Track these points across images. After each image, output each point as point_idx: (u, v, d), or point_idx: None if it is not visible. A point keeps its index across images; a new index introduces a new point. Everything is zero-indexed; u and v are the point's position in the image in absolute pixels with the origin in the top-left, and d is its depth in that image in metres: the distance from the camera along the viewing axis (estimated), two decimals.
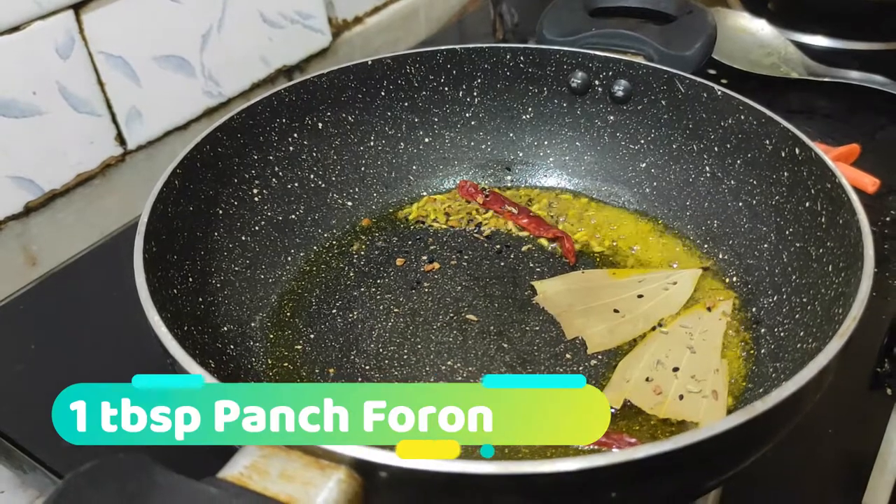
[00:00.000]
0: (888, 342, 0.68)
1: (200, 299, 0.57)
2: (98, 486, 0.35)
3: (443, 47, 0.72)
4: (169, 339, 0.43)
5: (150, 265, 0.50)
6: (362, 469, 0.36)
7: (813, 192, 0.56)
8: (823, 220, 0.55)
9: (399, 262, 0.67)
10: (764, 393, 0.52)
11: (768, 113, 0.60)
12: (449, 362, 0.57)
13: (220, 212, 0.62)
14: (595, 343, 0.58)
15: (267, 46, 0.98)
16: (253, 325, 0.61)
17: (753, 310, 0.59)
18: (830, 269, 0.53)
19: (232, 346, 0.57)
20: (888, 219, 0.82)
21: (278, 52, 1.00)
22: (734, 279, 0.62)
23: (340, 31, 1.10)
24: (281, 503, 0.35)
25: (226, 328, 0.58)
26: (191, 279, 0.57)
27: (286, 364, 0.58)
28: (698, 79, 0.65)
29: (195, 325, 0.54)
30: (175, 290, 0.54)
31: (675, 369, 0.55)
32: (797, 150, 0.58)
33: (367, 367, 0.57)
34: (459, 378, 0.56)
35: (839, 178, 0.53)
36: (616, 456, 0.35)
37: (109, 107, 0.83)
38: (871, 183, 0.84)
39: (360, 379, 0.56)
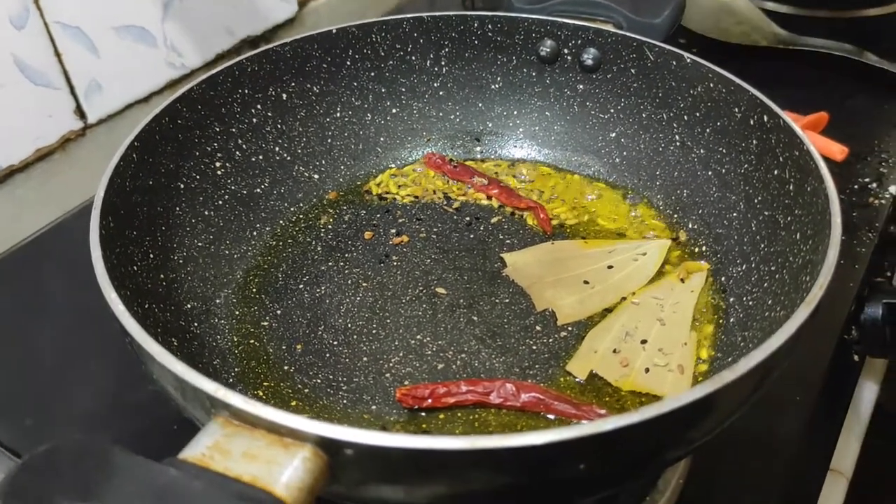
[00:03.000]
0: (855, 309, 0.68)
1: (162, 276, 0.56)
2: (54, 469, 0.34)
3: (409, 15, 0.70)
4: (126, 317, 0.42)
5: (108, 242, 0.49)
6: (328, 447, 0.35)
7: (781, 159, 0.56)
8: (792, 188, 0.55)
9: (367, 235, 0.66)
10: (732, 362, 0.52)
11: (737, 81, 0.60)
12: (418, 336, 0.56)
13: (182, 186, 0.61)
14: (565, 314, 0.57)
15: (231, 16, 0.96)
16: (218, 301, 0.59)
17: (723, 279, 0.59)
18: (798, 237, 0.52)
19: (196, 324, 0.56)
20: (856, 186, 0.82)
21: (243, 22, 0.98)
22: (703, 248, 0.62)
23: (307, 0, 1.08)
24: (244, 483, 0.34)
25: (189, 305, 0.57)
26: (151, 255, 0.55)
27: (252, 341, 0.57)
28: (668, 46, 0.64)
29: (157, 303, 0.53)
30: (135, 267, 0.53)
31: (644, 342, 0.55)
32: (766, 118, 0.58)
33: (335, 343, 0.56)
34: (429, 352, 0.55)
35: (807, 146, 0.53)
36: (584, 428, 0.35)
37: (68, 79, 0.81)
38: (839, 151, 0.85)
39: (328, 355, 0.56)
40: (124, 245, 0.52)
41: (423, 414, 0.51)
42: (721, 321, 0.56)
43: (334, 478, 0.36)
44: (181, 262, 0.58)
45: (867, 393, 0.75)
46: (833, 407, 0.69)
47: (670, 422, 0.36)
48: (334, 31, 0.69)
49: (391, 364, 0.55)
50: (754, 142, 0.59)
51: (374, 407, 0.52)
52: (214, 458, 0.35)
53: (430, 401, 0.51)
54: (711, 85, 0.62)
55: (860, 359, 0.72)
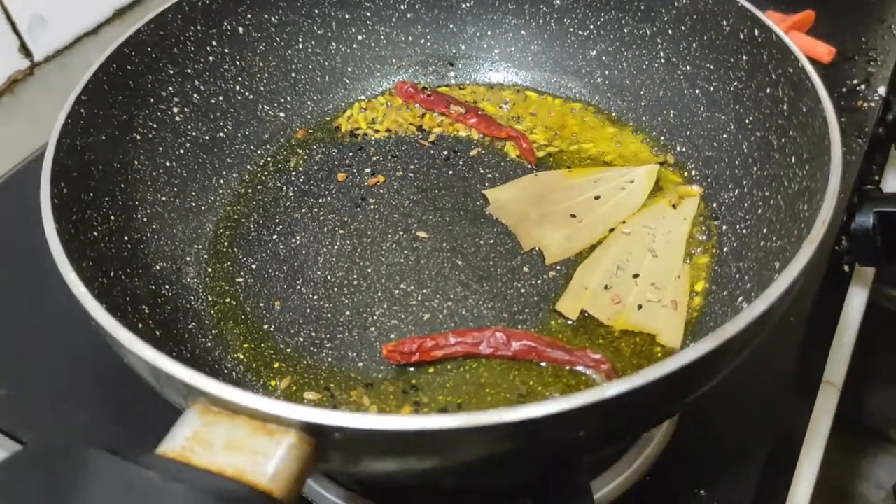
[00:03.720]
0: (845, 220, 0.66)
1: (126, 238, 0.53)
2: (23, 477, 0.32)
3: None
4: (88, 300, 0.39)
5: (62, 211, 0.45)
6: (314, 432, 0.33)
7: (774, 76, 0.53)
8: (785, 107, 0.52)
9: (341, 177, 0.62)
10: (728, 297, 0.51)
11: None
12: (402, 286, 0.54)
13: (139, 137, 0.57)
14: (553, 253, 0.55)
15: None
16: (188, 259, 0.56)
17: (714, 205, 0.57)
18: (793, 160, 0.50)
19: (167, 287, 0.53)
20: (844, 90, 0.79)
21: None
22: (693, 172, 0.59)
23: None
24: (228, 478, 0.32)
25: (158, 267, 0.54)
26: (112, 217, 0.52)
27: (228, 300, 0.55)
28: None
29: (123, 269, 0.50)
30: (95, 233, 0.49)
31: (636, 276, 0.53)
32: (756, 32, 0.54)
33: (315, 297, 0.54)
34: (414, 302, 0.53)
35: (801, 62, 0.50)
36: (585, 397, 0.33)
37: (7, 15, 0.75)
38: (826, 52, 0.81)
39: (308, 311, 0.53)
40: (81, 210, 0.49)
41: (412, 369, 0.50)
42: (714, 250, 0.54)
43: (323, 459, 0.34)
44: (145, 220, 0.55)
45: (856, 301, 0.74)
46: (824, 320, 0.68)
47: (672, 381, 0.34)
48: None
49: (375, 317, 0.52)
50: (744, 57, 0.56)
51: (360, 364, 0.50)
52: (195, 451, 0.33)
53: (417, 355, 0.49)
54: None
55: (850, 269, 0.71)
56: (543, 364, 0.49)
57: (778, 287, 0.37)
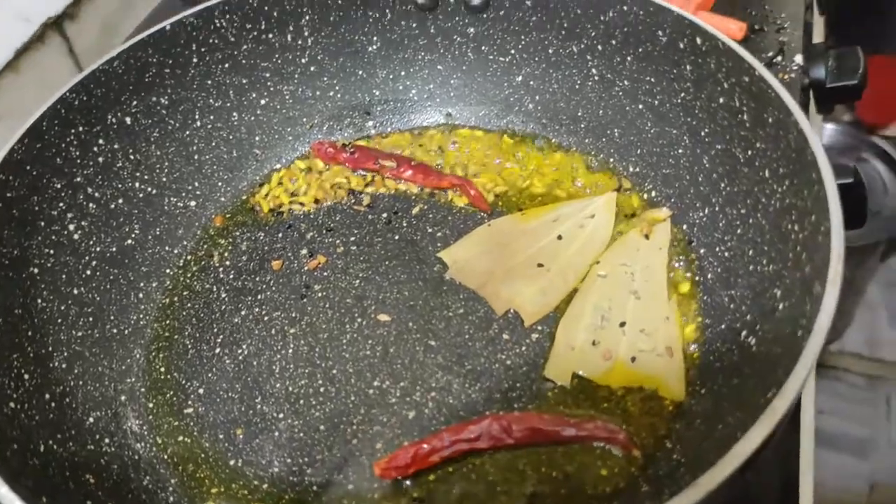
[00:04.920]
0: None
1: (47, 396, 0.45)
2: None
3: None
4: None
5: None
6: None
7: (726, 86, 0.49)
8: (746, 117, 0.48)
9: (275, 265, 0.56)
10: (728, 330, 0.47)
11: (657, 1, 0.52)
12: (375, 383, 0.48)
13: (36, 271, 0.49)
14: (530, 313, 0.50)
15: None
16: (122, 399, 0.49)
17: (684, 227, 0.53)
18: (767, 174, 0.47)
19: (107, 440, 0.46)
20: (764, 63, 0.78)
21: (37, 3, 0.81)
22: (653, 194, 0.56)
23: None
24: None
25: (91, 419, 0.46)
26: (27, 376, 0.44)
27: (181, 438, 0.48)
28: None
29: (52, 436, 0.43)
30: (12, 404, 0.42)
31: (622, 324, 0.49)
32: (698, 40, 0.51)
33: (281, 416, 0.48)
34: (393, 400, 0.47)
35: (759, 71, 0.47)
36: None
37: None
38: (738, 29, 0.79)
39: (276, 433, 0.47)
40: None
41: (409, 482, 0.44)
42: (697, 278, 0.51)
43: None
44: (65, 366, 0.47)
45: None
46: None
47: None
48: (167, 27, 0.56)
49: (354, 426, 0.47)
50: (688, 67, 0.52)
51: (350, 486, 0.44)
52: None
53: (414, 466, 0.44)
54: (625, 8, 0.54)
55: None
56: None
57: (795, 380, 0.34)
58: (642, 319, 0.49)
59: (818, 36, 0.86)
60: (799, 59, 0.78)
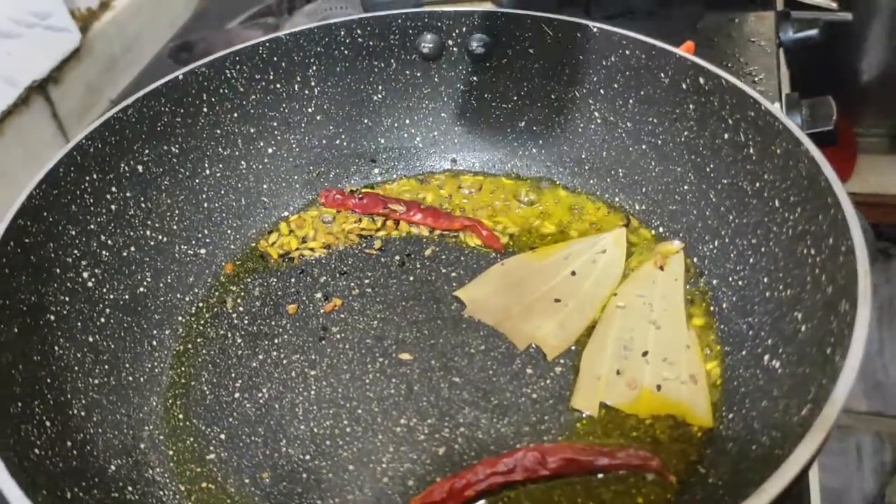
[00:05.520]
0: None
1: (69, 444, 0.43)
2: None
3: (263, 38, 0.59)
4: None
5: (2, 434, 0.37)
6: None
7: (731, 122, 0.52)
8: (752, 150, 0.50)
9: (291, 309, 0.55)
10: (750, 356, 0.48)
11: (659, 44, 0.55)
12: (402, 421, 0.48)
13: (53, 318, 0.48)
14: (552, 346, 0.51)
15: (7, 63, 0.79)
16: (142, 447, 0.48)
17: (695, 259, 0.55)
18: (777, 203, 0.48)
19: (130, 489, 0.44)
20: None
21: (23, 67, 0.81)
22: (661, 230, 0.57)
23: (88, 23, 0.92)
24: None
25: (113, 467, 0.45)
26: (48, 423, 0.43)
27: (205, 485, 0.46)
28: (569, 18, 0.58)
29: (77, 483, 0.41)
30: (37, 450, 0.40)
31: (645, 353, 0.50)
32: (701, 80, 0.53)
33: (308, 457, 0.47)
34: (422, 437, 0.47)
35: (765, 105, 0.49)
36: None
37: None
38: None
39: (304, 475, 0.46)
40: (14, 429, 0.40)
41: None
42: (712, 308, 0.52)
43: None
44: (83, 414, 0.46)
45: None
46: None
47: None
48: (180, 76, 0.56)
49: (384, 465, 0.46)
50: (691, 106, 0.54)
51: None
52: None
53: (450, 502, 0.43)
54: (627, 52, 0.56)
55: None
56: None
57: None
58: (664, 348, 0.50)
59: (785, 87, 0.90)
60: (777, 108, 0.81)
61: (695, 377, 0.48)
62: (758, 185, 0.50)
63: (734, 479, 0.41)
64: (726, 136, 0.52)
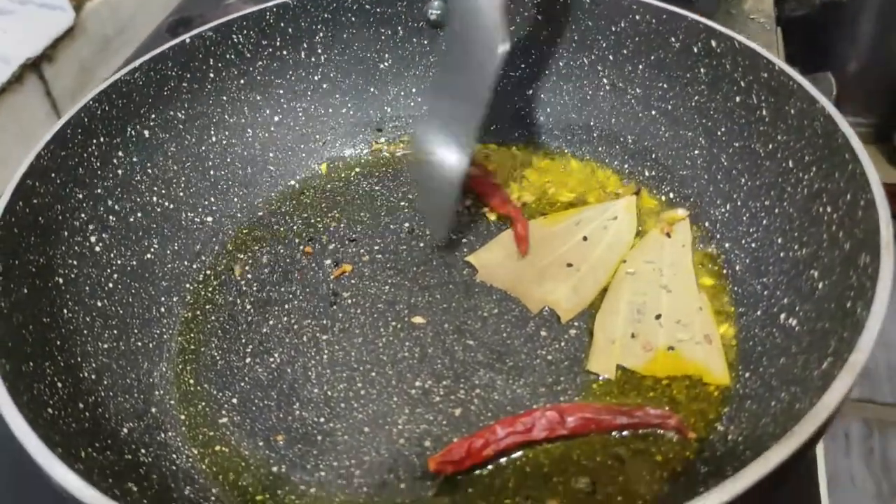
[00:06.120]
0: None
1: (81, 405, 0.43)
2: None
3: (270, 3, 0.59)
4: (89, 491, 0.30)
5: (15, 392, 0.36)
6: None
7: (743, 84, 0.52)
8: (765, 112, 0.50)
9: (300, 276, 0.55)
10: (765, 316, 0.48)
11: (670, 8, 0.54)
12: (417, 383, 0.48)
13: (61, 280, 0.47)
14: (566, 310, 0.51)
15: (1, 40, 0.78)
16: (154, 411, 0.47)
17: (706, 224, 0.54)
18: (791, 164, 0.48)
19: (143, 451, 0.44)
20: None
21: (17, 44, 0.80)
22: (671, 195, 0.57)
23: (81, 2, 0.91)
24: None
25: (125, 430, 0.44)
26: (59, 384, 0.42)
27: (218, 447, 0.46)
28: None
29: (91, 444, 0.41)
30: (50, 410, 0.40)
31: (658, 317, 0.50)
32: (713, 43, 0.53)
33: (322, 420, 0.46)
34: (438, 399, 0.47)
35: (778, 65, 0.49)
36: None
37: None
38: None
39: (319, 437, 0.45)
40: (27, 387, 0.39)
41: (460, 477, 0.43)
42: (725, 271, 0.52)
43: None
44: (94, 377, 0.45)
45: None
46: None
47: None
48: (187, 40, 0.56)
49: (400, 426, 0.46)
50: (702, 70, 0.54)
51: (402, 485, 0.43)
52: None
53: (469, 459, 0.43)
54: (637, 17, 0.56)
55: None
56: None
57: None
58: (677, 311, 0.50)
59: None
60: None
61: (709, 337, 0.48)
62: (771, 146, 0.50)
63: (755, 435, 0.41)
64: (738, 98, 0.52)
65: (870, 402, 1.41)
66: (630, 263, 0.53)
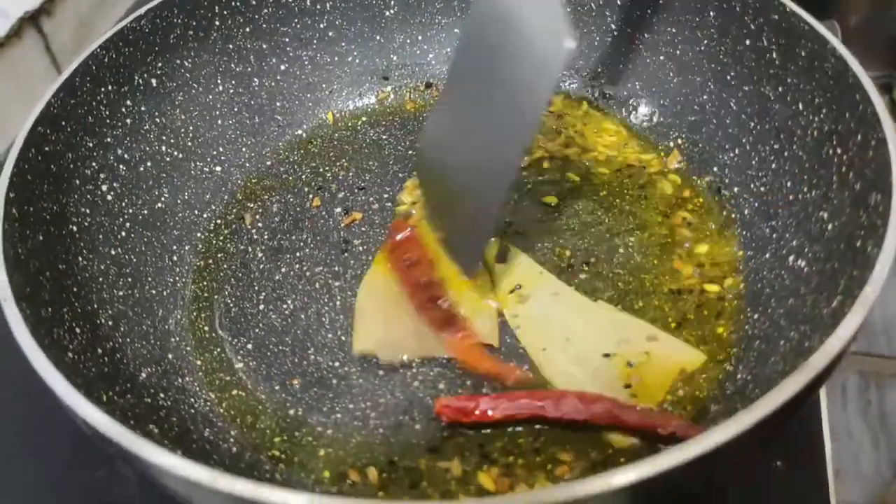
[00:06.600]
0: None
1: (99, 350, 0.43)
2: None
3: None
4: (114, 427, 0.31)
5: (39, 336, 0.36)
6: None
7: (753, 27, 0.51)
8: (775, 55, 0.50)
9: (310, 224, 0.55)
10: (774, 258, 0.49)
11: None
12: None
13: (75, 228, 0.47)
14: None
15: None
16: (170, 357, 0.48)
17: (715, 169, 0.55)
18: (801, 106, 0.48)
19: (162, 395, 0.44)
20: None
21: None
22: (679, 141, 0.57)
23: None
24: None
25: (144, 375, 0.45)
26: (78, 330, 0.43)
27: (234, 392, 0.46)
28: None
29: (111, 388, 0.41)
30: (71, 354, 0.40)
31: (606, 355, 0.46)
32: None
33: (337, 364, 0.47)
34: None
35: (789, 6, 0.48)
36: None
37: None
38: None
39: (335, 381, 0.46)
40: (48, 331, 0.39)
41: (471, 432, 0.43)
42: (733, 216, 0.52)
43: None
44: (111, 324, 0.46)
45: None
46: None
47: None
48: None
49: (414, 370, 0.46)
50: (712, 14, 0.54)
51: (417, 426, 0.44)
52: None
53: (473, 417, 0.43)
54: None
55: None
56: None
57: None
58: (605, 337, 0.47)
59: None
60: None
61: (650, 336, 0.47)
62: (781, 89, 0.50)
63: (764, 373, 0.42)
64: (748, 41, 0.52)
65: (867, 354, 1.43)
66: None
